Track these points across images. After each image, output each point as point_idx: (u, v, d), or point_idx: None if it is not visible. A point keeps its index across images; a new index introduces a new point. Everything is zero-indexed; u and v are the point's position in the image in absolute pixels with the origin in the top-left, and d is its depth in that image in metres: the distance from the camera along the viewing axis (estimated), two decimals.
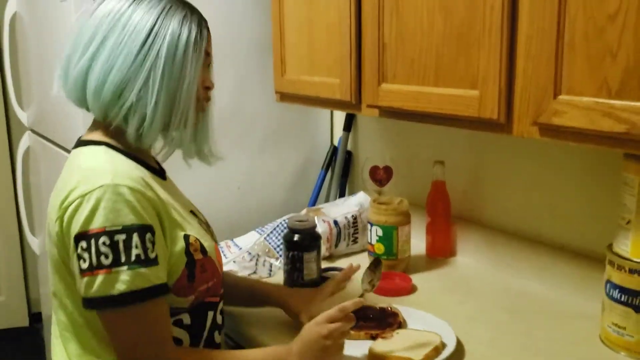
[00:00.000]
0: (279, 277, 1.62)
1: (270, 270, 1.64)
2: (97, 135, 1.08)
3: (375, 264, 1.25)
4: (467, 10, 1.17)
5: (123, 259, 0.94)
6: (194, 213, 1.19)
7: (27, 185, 2.61)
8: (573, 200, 1.47)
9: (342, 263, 1.71)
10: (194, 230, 1.09)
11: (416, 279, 1.56)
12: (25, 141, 2.47)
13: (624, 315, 1.15)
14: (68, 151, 1.89)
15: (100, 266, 0.94)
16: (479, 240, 1.70)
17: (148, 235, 0.96)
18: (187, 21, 1.05)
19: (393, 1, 1.34)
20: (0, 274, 3.22)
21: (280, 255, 1.68)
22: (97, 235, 0.93)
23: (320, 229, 1.67)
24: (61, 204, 0.98)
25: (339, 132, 2.16)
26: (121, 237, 0.94)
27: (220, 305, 1.17)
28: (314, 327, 1.05)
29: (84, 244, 0.94)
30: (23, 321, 3.29)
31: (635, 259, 1.13)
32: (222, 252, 1.65)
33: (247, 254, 1.65)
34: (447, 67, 1.24)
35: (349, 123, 2.11)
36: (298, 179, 2.11)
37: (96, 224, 0.94)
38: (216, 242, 1.20)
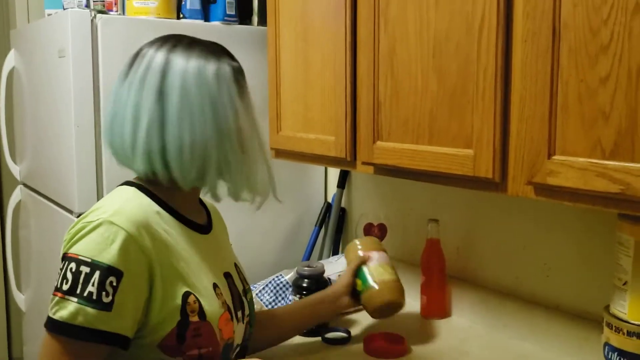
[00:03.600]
0: None
1: None
2: (139, 180, 1.11)
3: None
4: (460, 72, 1.19)
5: (77, 290, 0.95)
6: (228, 276, 1.17)
7: (16, 239, 2.58)
8: (568, 259, 1.47)
9: (336, 322, 1.68)
10: (202, 292, 1.06)
11: (411, 340, 1.53)
12: (16, 195, 2.46)
13: None
14: (60, 206, 1.89)
15: (59, 289, 0.96)
16: (474, 300, 1.68)
17: (110, 279, 0.95)
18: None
19: (388, 62, 1.37)
20: None
21: None
22: (70, 259, 0.97)
23: None
24: (73, 226, 1.02)
25: (333, 189, 2.16)
26: (85, 270, 0.95)
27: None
28: None
29: (61, 264, 0.98)
30: None
31: (633, 322, 1.12)
32: None
33: None
34: (441, 126, 1.25)
35: (343, 180, 2.12)
36: (292, 236, 2.10)
37: (75, 249, 0.97)
38: (231, 312, 1.13)
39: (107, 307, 0.95)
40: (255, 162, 1.11)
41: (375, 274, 1.49)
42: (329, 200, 2.18)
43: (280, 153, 1.82)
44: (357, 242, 1.57)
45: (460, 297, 1.72)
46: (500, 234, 1.63)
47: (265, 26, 1.84)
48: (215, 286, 1.10)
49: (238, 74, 1.11)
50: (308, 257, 2.09)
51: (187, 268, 1.05)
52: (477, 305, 1.67)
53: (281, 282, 1.70)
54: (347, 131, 1.50)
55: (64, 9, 1.84)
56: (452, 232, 1.75)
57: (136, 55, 1.08)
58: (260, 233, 2.02)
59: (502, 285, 1.63)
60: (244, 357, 1.18)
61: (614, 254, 1.16)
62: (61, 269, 0.97)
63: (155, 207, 1.06)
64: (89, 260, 0.95)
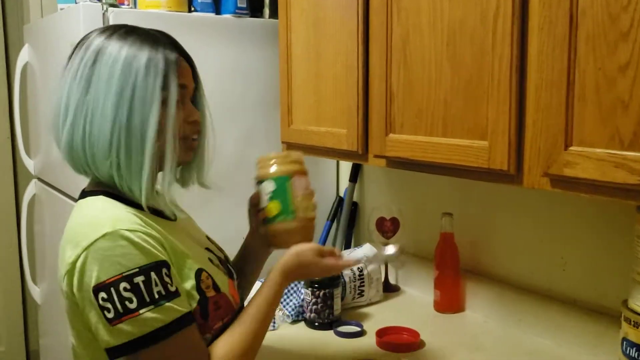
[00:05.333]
0: (284, 329, 1.58)
1: (274, 323, 1.60)
2: (97, 185, 1.07)
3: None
4: (475, 62, 1.17)
5: (148, 299, 0.93)
6: (209, 250, 1.17)
7: (32, 233, 2.59)
8: (585, 253, 1.44)
9: (349, 316, 1.67)
10: (208, 267, 1.08)
11: (424, 334, 1.51)
12: (31, 189, 2.47)
13: None
14: (74, 199, 1.88)
15: (127, 311, 0.93)
16: (488, 295, 1.66)
17: (164, 270, 0.96)
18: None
19: (401, 53, 1.34)
20: (0, 323, 3.17)
21: (285, 306, 1.65)
22: (115, 283, 0.93)
23: None
24: (68, 259, 0.97)
25: (344, 183, 2.14)
26: (140, 279, 0.93)
27: None
28: (311, 256, 1.15)
29: (103, 294, 0.93)
30: None
31: None
32: None
33: None
34: (455, 118, 1.23)
35: (355, 174, 2.10)
36: None
37: (111, 273, 0.93)
38: (232, 278, 1.17)
39: (176, 293, 0.97)
40: (145, 162, 1.01)
41: (300, 206, 1.20)
42: (341, 194, 2.16)
43: (291, 147, 1.81)
44: (272, 155, 1.23)
45: (475, 291, 1.70)
46: (515, 228, 1.61)
47: (277, 19, 1.82)
48: (210, 260, 1.12)
49: (171, 65, 1.02)
50: None
51: (185, 247, 1.06)
52: (491, 300, 1.65)
53: None
54: (359, 124, 1.49)
55: (76, 3, 1.84)
56: (467, 226, 1.73)
57: (77, 43, 1.05)
58: None
59: (517, 280, 1.61)
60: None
61: (633, 247, 1.14)
62: (106, 299, 0.92)
63: (129, 208, 1.02)
64: (137, 269, 0.93)
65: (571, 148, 1.01)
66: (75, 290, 0.96)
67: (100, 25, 1.70)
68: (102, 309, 0.93)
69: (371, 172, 2.09)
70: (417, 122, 1.32)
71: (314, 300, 1.59)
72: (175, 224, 1.12)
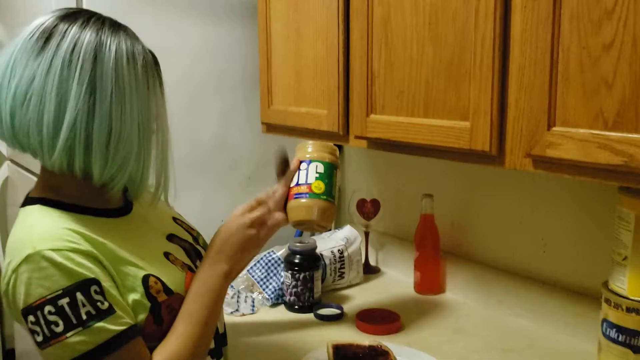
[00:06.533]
0: (264, 313, 1.57)
1: (253, 306, 1.58)
2: (38, 190, 1.02)
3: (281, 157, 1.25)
4: (458, 40, 1.15)
5: (74, 320, 0.89)
6: (173, 236, 1.12)
7: (4, 216, 2.54)
8: (565, 234, 1.44)
9: (329, 298, 1.66)
10: (157, 268, 1.02)
11: (405, 316, 1.51)
12: (4, 171, 2.42)
13: (622, 356, 1.11)
14: None
15: (54, 335, 0.89)
16: (468, 276, 1.66)
17: (93, 288, 0.90)
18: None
19: (382, 32, 1.32)
20: None
21: (264, 289, 1.63)
22: (40, 306, 0.88)
23: None
24: (2, 279, 0.93)
25: None
26: (65, 301, 0.88)
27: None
28: (234, 219, 1.09)
29: (32, 318, 0.89)
30: None
31: (632, 297, 1.09)
32: None
33: (230, 287, 1.60)
34: (437, 98, 1.21)
35: None
36: None
37: (35, 296, 0.89)
38: (193, 269, 1.10)
39: (110, 310, 0.91)
40: (164, 155, 1.04)
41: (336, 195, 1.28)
42: None
43: (271, 128, 1.78)
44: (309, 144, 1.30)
45: (455, 273, 1.70)
46: (496, 209, 1.60)
47: None
48: (167, 255, 1.06)
49: (157, 62, 1.03)
50: (300, 233, 2.06)
51: (131, 254, 1.00)
52: (471, 281, 1.65)
53: (273, 259, 1.67)
54: (339, 104, 1.46)
55: None
56: (447, 207, 1.72)
57: (50, 29, 0.94)
58: None
59: (498, 261, 1.60)
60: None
61: (614, 228, 1.13)
62: (35, 322, 0.89)
63: (67, 216, 0.97)
64: (61, 292, 0.88)
65: (554, 128, 1.00)
66: (11, 309, 0.93)
67: (73, 4, 1.65)
68: (32, 332, 0.90)
69: (352, 153, 2.07)
70: (398, 102, 1.30)
71: (293, 283, 1.57)
72: (126, 219, 1.07)
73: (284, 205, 1.21)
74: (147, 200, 1.10)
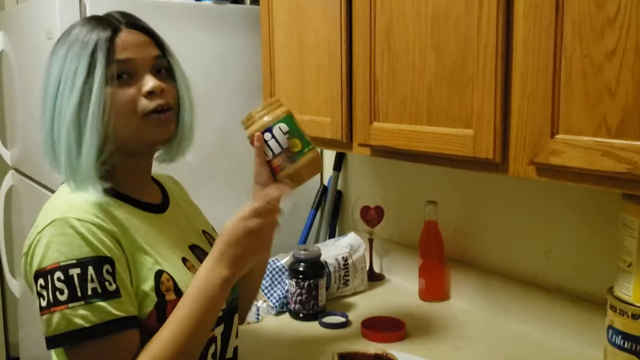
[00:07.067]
0: (269, 321, 1.57)
1: (258, 315, 1.58)
2: None
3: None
4: (460, 48, 1.15)
5: (79, 293, 0.90)
6: (195, 247, 1.13)
7: (9, 225, 2.54)
8: (570, 241, 1.44)
9: (333, 306, 1.66)
10: (173, 268, 1.02)
11: (410, 323, 1.51)
12: (8, 180, 2.42)
13: None
14: (52, 191, 1.85)
15: (57, 303, 0.90)
16: (473, 283, 1.66)
17: (106, 267, 0.92)
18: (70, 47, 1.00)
19: (385, 40, 1.32)
20: None
21: (269, 297, 1.63)
22: (52, 271, 0.90)
23: None
24: (26, 242, 0.96)
25: (329, 171, 2.13)
26: (76, 271, 0.90)
27: (212, 347, 1.10)
28: (241, 223, 0.99)
29: (42, 281, 0.91)
30: None
31: (638, 304, 1.09)
32: None
33: None
34: (440, 106, 1.21)
35: (339, 162, 2.08)
36: (287, 219, 2.06)
37: (50, 260, 0.91)
38: None
39: (116, 294, 0.92)
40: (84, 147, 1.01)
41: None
42: (325, 183, 2.15)
43: None
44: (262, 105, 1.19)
45: (459, 280, 1.70)
46: (500, 216, 1.60)
47: (258, 4, 1.79)
48: (184, 260, 1.07)
49: (100, 44, 0.99)
50: (304, 240, 2.06)
51: (152, 247, 1.01)
52: (476, 288, 1.64)
53: (277, 267, 1.67)
54: (342, 112, 1.47)
55: None
56: (451, 214, 1.72)
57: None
58: None
59: (502, 268, 1.60)
60: (233, 317, 1.15)
61: (618, 235, 1.13)
62: (43, 286, 0.90)
63: (103, 197, 0.99)
64: (75, 261, 0.90)
65: (557, 136, 1.00)
66: (27, 273, 0.96)
67: (77, 12, 1.66)
68: (39, 295, 0.92)
69: (355, 160, 2.07)
70: (401, 110, 1.31)
71: (298, 291, 1.57)
72: (159, 217, 1.09)
73: (274, 180, 1.12)
74: (181, 203, 1.15)
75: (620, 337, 1.12)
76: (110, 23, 1.01)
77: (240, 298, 1.19)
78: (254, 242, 1.00)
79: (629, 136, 0.90)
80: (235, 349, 1.16)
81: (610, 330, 1.15)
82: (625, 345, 1.11)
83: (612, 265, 1.16)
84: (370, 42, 1.36)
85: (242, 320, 1.28)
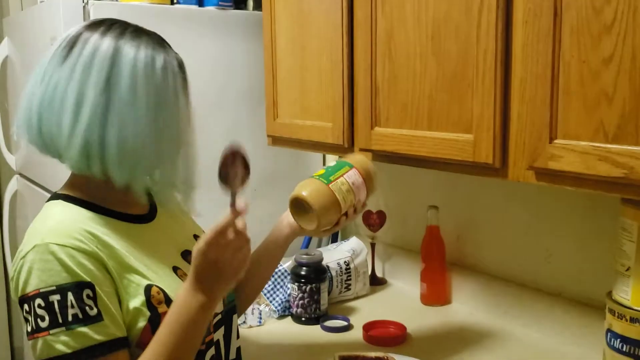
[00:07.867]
0: (271, 325, 1.58)
1: (260, 318, 1.59)
2: (64, 187, 1.05)
3: (232, 154, 1.08)
4: (460, 55, 1.17)
5: (60, 319, 0.90)
6: (187, 253, 1.11)
7: (14, 229, 2.56)
8: (570, 245, 1.45)
9: (335, 310, 1.67)
10: (162, 280, 1.02)
11: (411, 327, 1.52)
12: (13, 185, 2.44)
13: None
14: None
15: (39, 329, 0.90)
16: (474, 287, 1.66)
17: (86, 292, 0.91)
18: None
19: (385, 46, 1.34)
20: None
21: (271, 301, 1.64)
22: (33, 298, 0.90)
23: None
24: (12, 264, 0.97)
25: None
26: (55, 298, 0.90)
27: (209, 353, 1.11)
28: (200, 256, 0.94)
29: (26, 307, 0.92)
30: None
31: (636, 308, 1.10)
32: None
33: None
34: (440, 111, 1.23)
35: None
36: None
37: (32, 286, 0.91)
38: None
39: (97, 318, 0.92)
40: (190, 159, 1.08)
41: (339, 183, 1.21)
42: None
43: (276, 140, 1.80)
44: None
45: (461, 284, 1.70)
46: (500, 220, 1.61)
47: (261, 11, 1.81)
48: (175, 269, 1.06)
49: (182, 67, 1.05)
50: (307, 245, 2.07)
51: (139, 262, 1.00)
52: (477, 292, 1.65)
53: (279, 271, 1.68)
54: (344, 117, 1.48)
55: None
56: (452, 219, 1.73)
57: (75, 38, 0.98)
58: (258, 221, 1.99)
59: (503, 272, 1.61)
60: (232, 318, 1.16)
61: (617, 239, 1.14)
62: (28, 312, 0.91)
63: (87, 213, 0.99)
64: (54, 288, 0.90)
65: (556, 141, 1.01)
66: (15, 297, 0.95)
67: (81, 18, 1.68)
68: (25, 320, 0.92)
69: None
70: (402, 115, 1.32)
71: (300, 295, 1.58)
72: (146, 227, 1.09)
73: None
74: (173, 209, 1.12)
75: (619, 340, 1.13)
76: (169, 46, 1.05)
77: (238, 300, 1.21)
78: (220, 269, 0.95)
79: (625, 141, 0.91)
80: (238, 349, 1.17)
81: (609, 334, 1.16)
82: (624, 349, 1.12)
83: (611, 269, 1.17)
84: (371, 48, 1.37)
85: (239, 314, 1.28)
